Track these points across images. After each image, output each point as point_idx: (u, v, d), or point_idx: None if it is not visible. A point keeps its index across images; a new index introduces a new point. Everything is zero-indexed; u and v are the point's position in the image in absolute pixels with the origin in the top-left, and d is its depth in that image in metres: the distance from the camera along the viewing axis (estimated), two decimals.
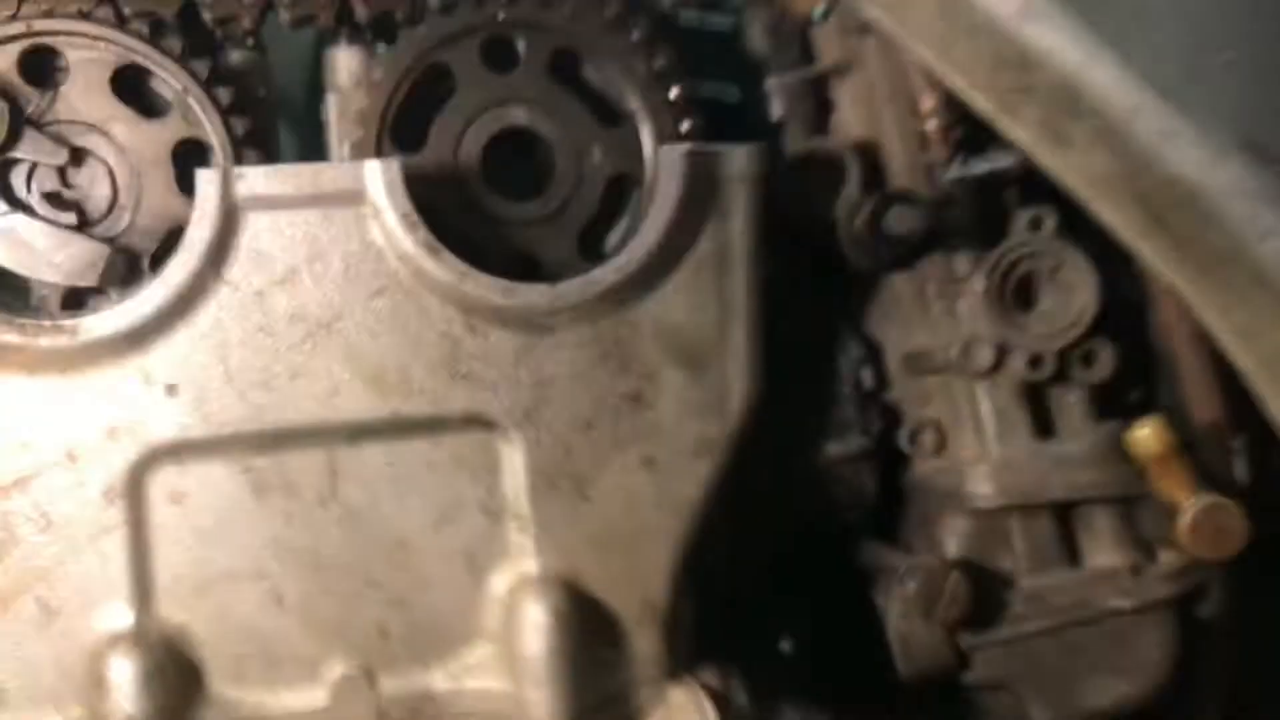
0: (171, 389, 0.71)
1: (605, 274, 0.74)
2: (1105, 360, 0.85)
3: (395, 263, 0.73)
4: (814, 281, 0.92)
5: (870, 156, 0.89)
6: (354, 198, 0.72)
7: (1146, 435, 0.79)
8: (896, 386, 0.91)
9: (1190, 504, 0.79)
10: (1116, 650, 0.85)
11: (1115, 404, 0.87)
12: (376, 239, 0.73)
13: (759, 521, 0.94)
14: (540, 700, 0.73)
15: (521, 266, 0.80)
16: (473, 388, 0.74)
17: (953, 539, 0.86)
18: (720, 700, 0.81)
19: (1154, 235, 0.73)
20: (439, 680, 0.76)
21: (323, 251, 0.72)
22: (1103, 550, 0.86)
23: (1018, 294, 0.85)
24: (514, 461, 0.76)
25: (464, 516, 0.76)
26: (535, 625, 0.74)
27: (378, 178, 0.72)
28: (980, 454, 0.86)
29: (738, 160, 0.79)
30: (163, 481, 0.72)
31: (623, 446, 0.77)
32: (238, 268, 0.71)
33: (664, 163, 0.76)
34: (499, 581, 0.76)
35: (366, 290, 0.73)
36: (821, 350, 0.90)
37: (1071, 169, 0.75)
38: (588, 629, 0.76)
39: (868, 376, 0.89)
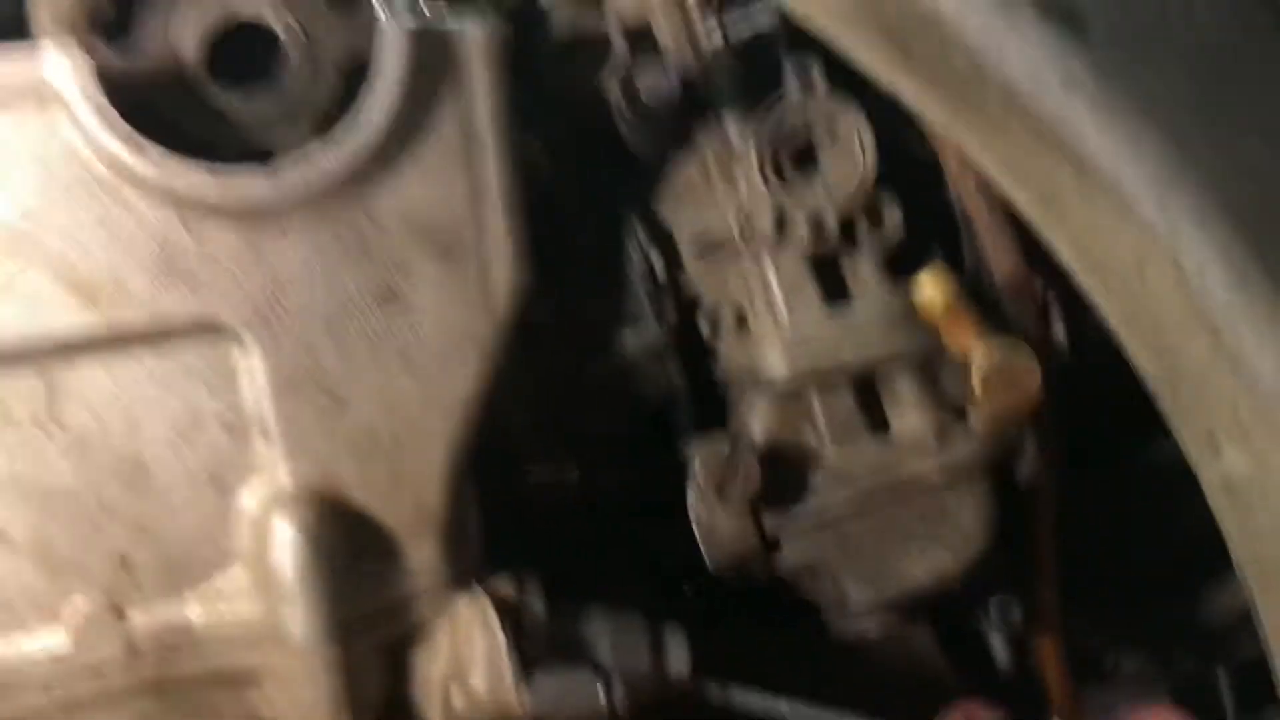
0: None
1: (328, 159, 0.69)
2: (893, 220, 0.81)
3: (96, 162, 0.66)
4: (603, 169, 0.88)
5: (640, 34, 0.85)
6: (39, 93, 0.66)
7: (925, 286, 0.75)
8: (692, 271, 0.86)
9: (978, 354, 0.75)
10: (929, 520, 0.81)
11: (913, 266, 0.83)
12: (72, 137, 0.66)
13: (560, 424, 0.90)
14: (295, 618, 0.68)
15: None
16: (197, 292, 0.69)
17: (756, 421, 0.82)
18: (511, 611, 0.77)
19: (905, 69, 0.69)
20: (194, 610, 0.71)
21: (13, 155, 0.66)
22: (908, 417, 0.82)
23: (795, 158, 0.81)
24: (252, 369, 0.70)
25: (203, 433, 0.71)
26: (285, 542, 0.69)
27: (65, 69, 0.67)
28: (774, 330, 0.82)
29: (472, 39, 0.73)
30: None
31: (376, 346, 0.72)
32: None
33: (385, 42, 0.71)
34: (249, 500, 0.71)
35: (67, 194, 0.67)
36: (610, 239, 0.86)
37: (817, 8, 0.70)
38: (350, 542, 0.71)
39: (658, 263, 0.85)
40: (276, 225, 0.69)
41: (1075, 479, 0.89)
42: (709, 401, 0.92)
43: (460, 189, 0.73)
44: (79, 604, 0.69)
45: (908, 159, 0.83)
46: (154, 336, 0.69)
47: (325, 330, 0.71)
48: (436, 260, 0.73)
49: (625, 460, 1.09)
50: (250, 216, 0.69)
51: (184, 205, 0.68)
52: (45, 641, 0.69)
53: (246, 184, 0.68)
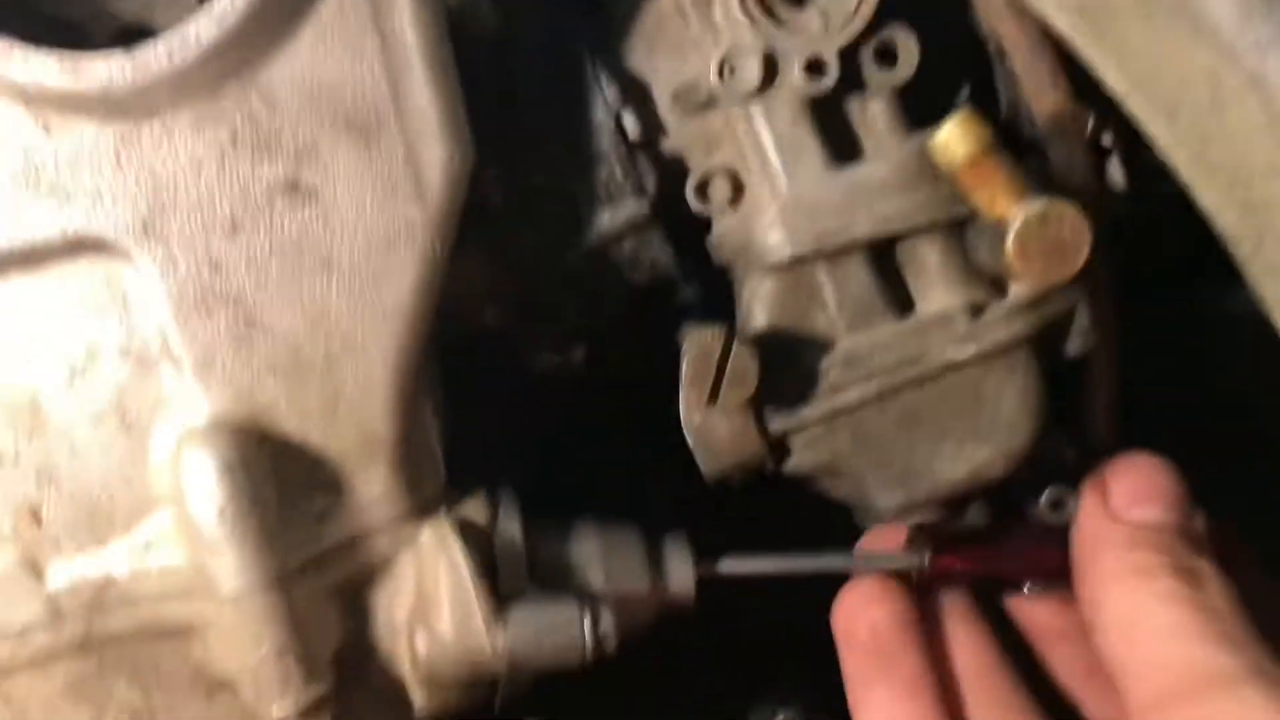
0: None
1: (199, 29, 0.57)
2: (907, 54, 0.67)
3: None
4: (561, 14, 0.75)
5: None
6: None
7: (950, 135, 0.62)
8: (675, 132, 0.73)
9: (1014, 216, 0.61)
10: (965, 410, 0.69)
11: (934, 112, 0.69)
12: None
13: (551, 323, 0.80)
14: (224, 566, 0.60)
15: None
16: (68, 205, 0.58)
17: (758, 306, 0.70)
18: (481, 538, 0.67)
19: None
20: (118, 560, 0.62)
21: None
22: (934, 292, 0.69)
23: None
24: (147, 290, 0.60)
25: (101, 366, 0.61)
26: (202, 481, 0.60)
27: None
28: (771, 197, 0.69)
29: None
30: None
31: (288, 250, 0.61)
32: None
33: None
34: (164, 435, 0.62)
35: None
36: (572, 98, 0.73)
37: None
38: (284, 478, 0.62)
39: (630, 122, 0.72)
40: (150, 117, 0.58)
41: (1135, 343, 0.76)
42: (711, 287, 0.81)
43: (369, 52, 0.60)
44: None
45: None
46: (26, 260, 0.59)
47: (226, 237, 0.60)
48: (349, 142, 0.61)
49: (637, 339, 0.99)
50: (117, 109, 0.58)
51: (38, 102, 0.57)
52: None
53: (105, 69, 0.56)
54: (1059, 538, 0.72)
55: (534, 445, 0.98)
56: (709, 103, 0.70)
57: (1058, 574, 0.71)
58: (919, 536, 0.72)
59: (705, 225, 0.75)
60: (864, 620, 0.69)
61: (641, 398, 0.97)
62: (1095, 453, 0.75)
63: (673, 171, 0.74)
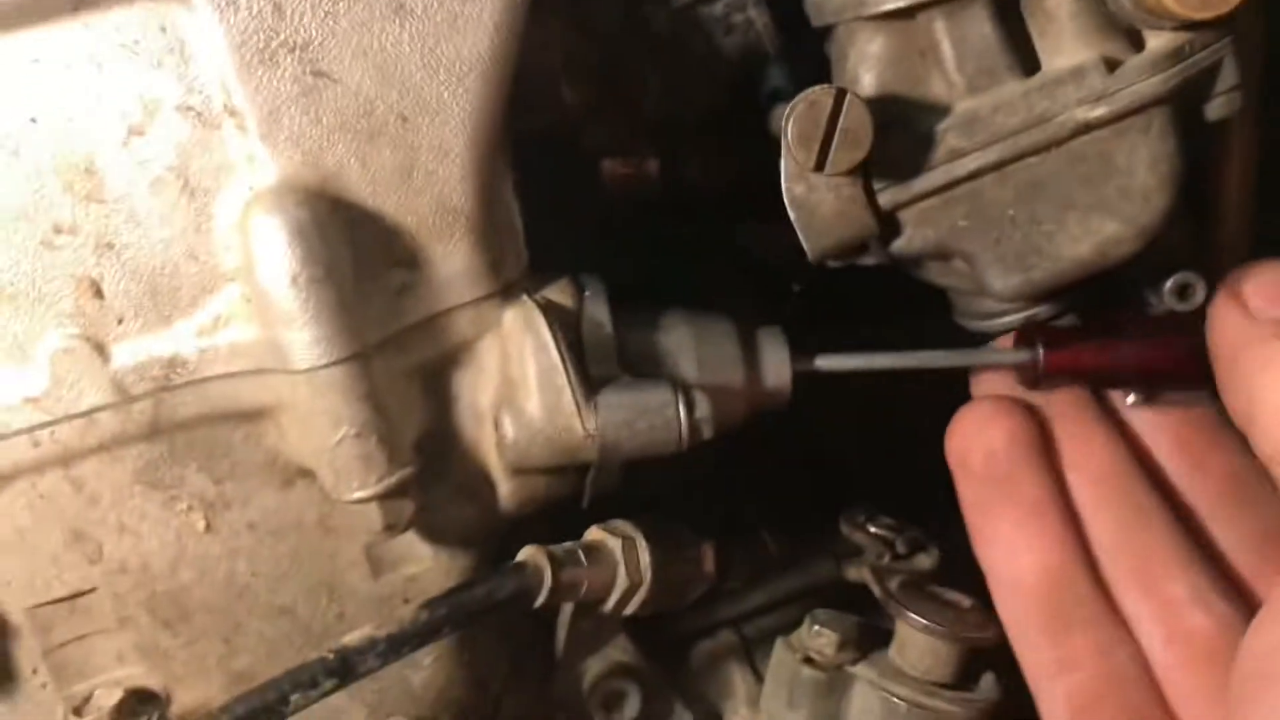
0: None
1: None
2: None
3: None
4: None
5: None
6: None
7: None
8: None
9: None
10: (1094, 179, 0.62)
11: None
12: None
13: (635, 103, 0.73)
14: (297, 342, 0.56)
15: None
16: None
17: (865, 69, 0.63)
18: (570, 321, 0.63)
19: None
20: (185, 339, 0.58)
21: None
22: (1064, 46, 0.61)
23: None
24: (207, 37, 0.54)
25: (159, 124, 0.56)
26: (273, 249, 0.55)
27: None
28: None
29: None
30: None
31: None
32: None
33: None
34: (230, 202, 0.57)
35: None
36: None
37: None
38: (360, 249, 0.57)
39: None
40: None
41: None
42: (813, 67, 0.74)
43: None
44: (50, 340, 0.58)
45: None
46: (75, 4, 0.54)
47: None
48: None
49: (713, 145, 0.93)
50: None
51: None
52: (22, 391, 0.58)
53: None
54: (1178, 330, 0.67)
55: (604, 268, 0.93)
56: None
57: (1180, 370, 0.67)
58: (1031, 332, 0.67)
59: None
60: (979, 444, 0.65)
61: (720, 223, 0.92)
62: (1224, 246, 0.69)
63: None
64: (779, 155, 0.68)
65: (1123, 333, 0.68)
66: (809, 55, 0.71)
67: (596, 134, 0.75)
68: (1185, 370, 0.67)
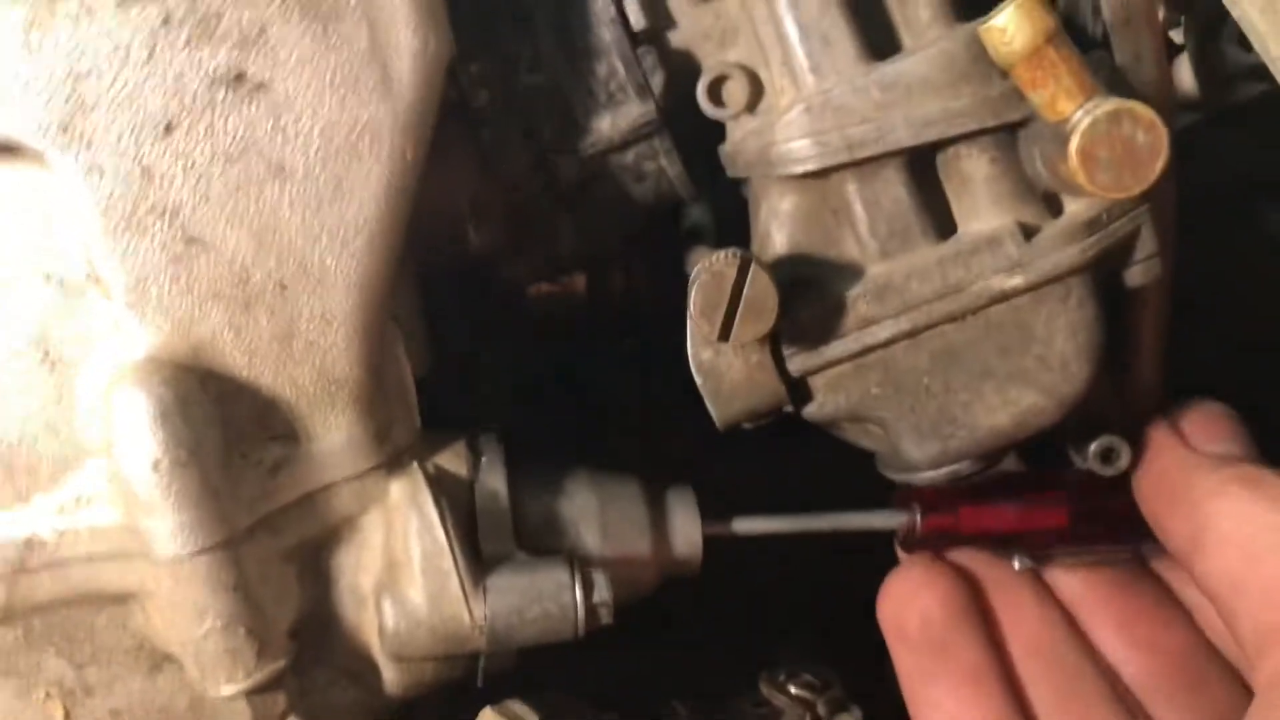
0: None
1: None
2: None
3: None
4: None
5: None
6: None
7: (1009, 21, 0.52)
8: (684, 23, 0.63)
9: (1080, 116, 0.53)
10: (1011, 348, 0.60)
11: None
12: None
13: (545, 244, 0.71)
14: (159, 530, 0.52)
15: None
16: None
17: (777, 226, 0.61)
18: (458, 490, 0.59)
19: None
20: (44, 519, 0.54)
21: None
22: (981, 210, 0.60)
23: None
24: (70, 201, 0.51)
25: (19, 293, 0.52)
26: (132, 428, 0.51)
27: None
28: (794, 97, 0.60)
29: None
30: None
31: (232, 155, 0.52)
32: None
33: None
34: (93, 375, 0.53)
35: None
36: None
37: None
38: (230, 423, 0.54)
39: (635, 12, 0.62)
40: None
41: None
42: (733, 202, 0.72)
43: None
44: None
45: None
46: None
47: (160, 138, 0.51)
48: (304, 25, 0.51)
49: (640, 266, 0.91)
50: None
51: None
52: None
53: None
54: (1063, 489, 0.67)
55: (524, 384, 0.90)
56: None
57: (1071, 531, 0.67)
58: (908, 495, 0.67)
59: (716, 134, 0.67)
60: (914, 609, 0.64)
61: (643, 333, 0.90)
62: (1140, 400, 0.67)
63: (681, 69, 0.64)
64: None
65: (1010, 493, 0.68)
66: (726, 189, 0.70)
67: (514, 268, 0.73)
68: (1078, 531, 0.67)
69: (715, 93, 0.63)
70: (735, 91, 0.63)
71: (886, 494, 0.69)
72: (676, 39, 0.64)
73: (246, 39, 0.51)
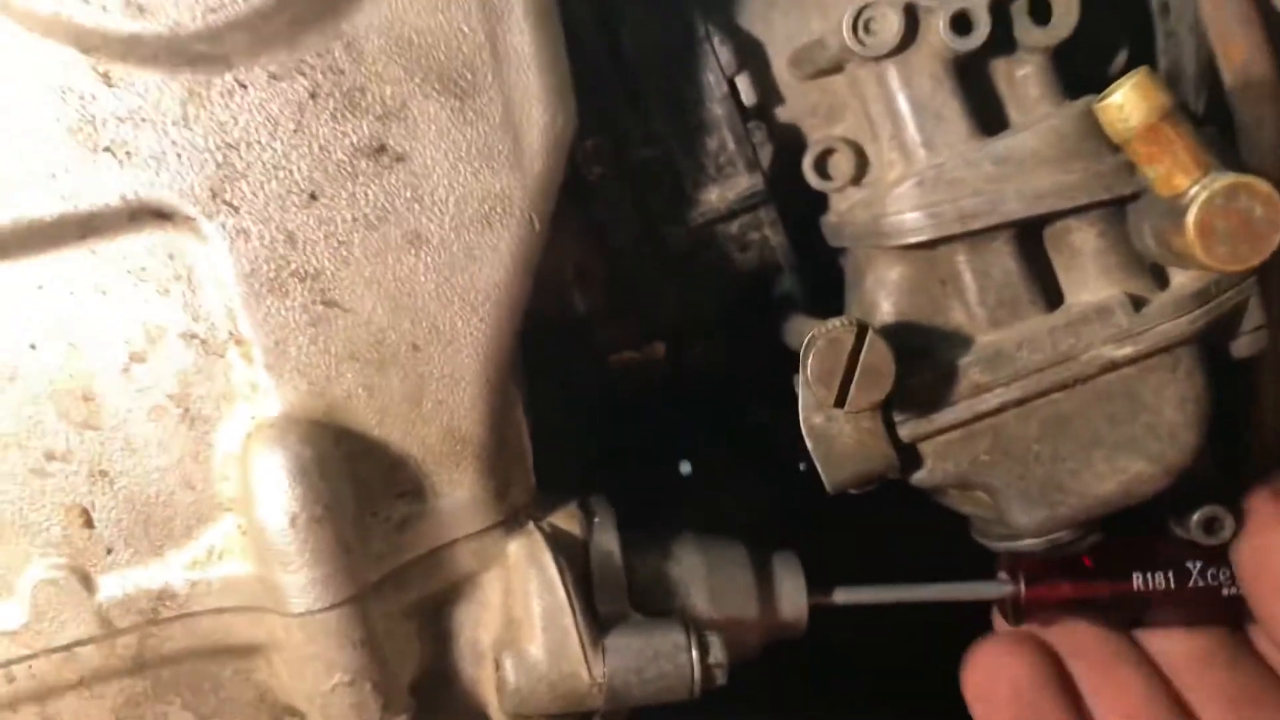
0: None
1: None
2: (1066, 7, 0.59)
3: None
4: None
5: None
6: None
7: (1125, 98, 0.54)
8: (792, 99, 0.66)
9: (1196, 191, 0.54)
10: (1119, 417, 0.60)
11: (1092, 76, 0.62)
12: None
13: (646, 312, 0.72)
14: (292, 585, 0.53)
15: None
16: (126, 165, 0.51)
17: (884, 295, 0.62)
18: (577, 553, 0.60)
19: None
20: (177, 570, 0.56)
21: None
22: (1088, 282, 0.61)
23: None
24: (215, 264, 0.53)
25: (162, 350, 0.54)
26: (269, 485, 0.53)
27: None
28: (905, 170, 0.61)
29: None
30: None
31: (372, 222, 0.54)
32: None
33: None
34: (230, 432, 0.55)
35: None
36: (679, 61, 0.65)
37: None
38: (362, 481, 0.55)
39: (746, 88, 0.64)
40: (222, 68, 0.51)
41: None
42: (821, 272, 0.73)
43: (468, 2, 0.53)
44: (34, 570, 0.55)
45: None
46: (83, 230, 0.52)
47: (304, 205, 0.53)
48: (442, 101, 0.54)
49: (720, 336, 0.92)
50: (189, 58, 0.51)
51: (97, 47, 0.50)
52: (1, 622, 0.55)
53: (176, 11, 0.49)
54: (1172, 562, 0.67)
55: (604, 449, 0.91)
56: (834, 65, 0.63)
57: (1170, 600, 0.67)
58: (1013, 565, 0.68)
59: (816, 205, 0.68)
60: (1004, 679, 0.64)
61: (724, 399, 0.91)
62: (1249, 470, 0.67)
63: (787, 143, 0.66)
64: (784, 351, 0.68)
65: (1111, 562, 0.68)
66: (820, 260, 0.71)
67: (610, 333, 0.74)
68: (1184, 602, 0.67)
69: (822, 166, 0.65)
70: (841, 164, 0.65)
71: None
72: (784, 114, 0.66)
73: (388, 112, 0.54)
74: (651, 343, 0.91)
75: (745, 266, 0.70)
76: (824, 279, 0.72)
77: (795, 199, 0.68)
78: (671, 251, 0.68)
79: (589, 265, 0.69)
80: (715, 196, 0.66)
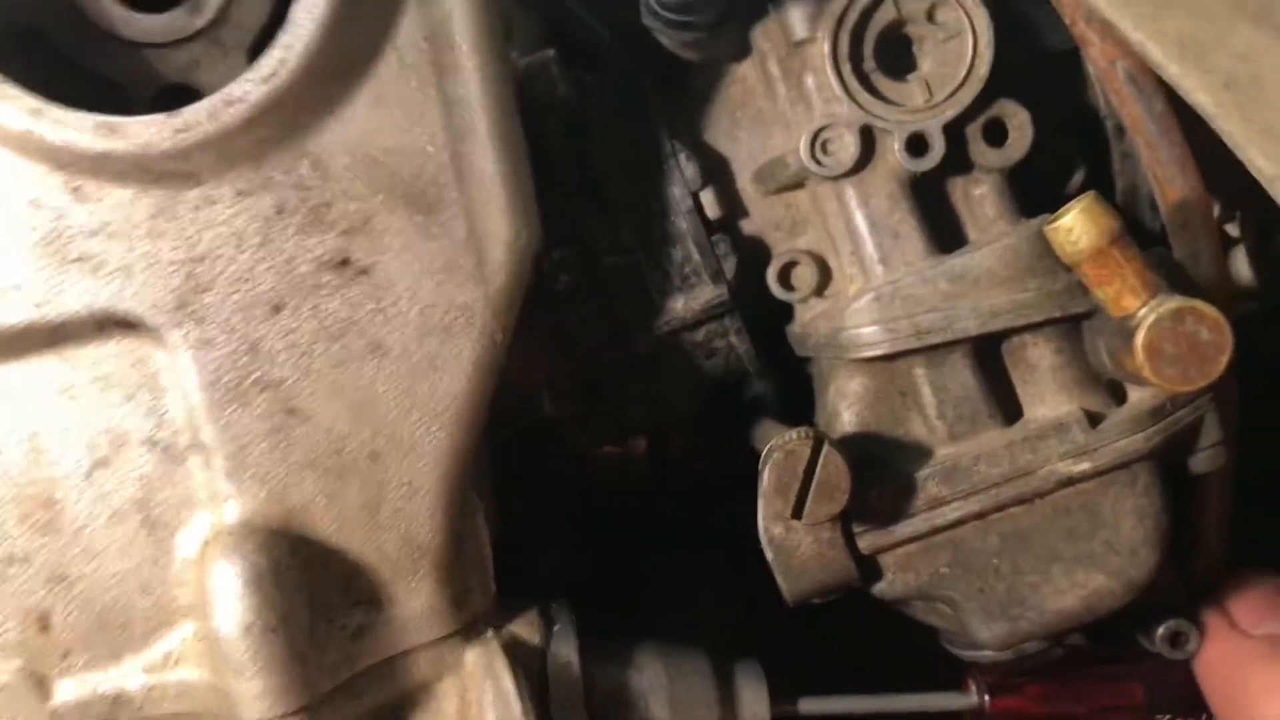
0: None
1: (245, 89, 0.52)
2: (1019, 130, 0.61)
3: None
4: (636, 85, 0.69)
5: None
6: None
7: (1074, 222, 0.55)
8: (756, 212, 0.67)
9: (1145, 313, 0.55)
10: (1079, 532, 0.61)
11: (1045, 195, 0.63)
12: None
13: (615, 415, 0.73)
14: (246, 693, 0.53)
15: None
16: (95, 276, 0.52)
17: (845, 406, 0.63)
18: (534, 662, 0.60)
19: None
20: (133, 675, 0.56)
21: None
22: (1046, 396, 0.62)
23: (882, 53, 0.61)
24: (179, 373, 0.54)
25: (125, 456, 0.55)
26: (225, 593, 0.53)
27: None
28: (864, 285, 0.62)
29: None
30: None
31: (335, 333, 0.55)
32: None
33: None
34: (189, 538, 0.55)
35: None
36: (646, 175, 0.67)
37: None
38: (316, 588, 0.56)
39: (710, 202, 0.66)
40: (191, 183, 0.53)
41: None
42: (787, 378, 0.74)
43: (433, 122, 0.55)
44: None
45: (1035, 48, 0.63)
46: (50, 339, 0.53)
47: (268, 317, 0.54)
48: (406, 216, 0.55)
49: (697, 432, 0.92)
50: (158, 175, 0.52)
51: (68, 165, 0.52)
52: None
53: (146, 132, 0.51)
54: (1131, 673, 0.67)
55: (584, 548, 0.92)
56: (796, 182, 0.65)
57: (1141, 710, 0.67)
58: (977, 677, 0.68)
59: (780, 315, 0.69)
60: None
61: (704, 497, 0.91)
62: (1202, 583, 0.68)
63: (751, 255, 0.68)
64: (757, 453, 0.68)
65: (1078, 673, 0.68)
66: (793, 363, 0.72)
67: (582, 434, 0.75)
68: (1153, 707, 0.67)
69: (785, 277, 0.67)
70: (805, 276, 0.66)
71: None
72: (748, 226, 0.68)
73: (353, 227, 0.55)
74: (632, 439, 0.93)
75: (712, 371, 0.71)
76: (794, 383, 0.73)
77: (763, 306, 0.69)
78: (639, 356, 0.69)
79: (557, 370, 0.70)
80: (681, 305, 0.67)
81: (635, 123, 0.67)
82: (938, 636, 0.69)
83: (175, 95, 0.58)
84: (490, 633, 0.60)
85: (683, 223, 0.66)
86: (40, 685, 0.56)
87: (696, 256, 0.66)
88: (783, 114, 0.64)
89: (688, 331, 0.68)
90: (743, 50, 0.65)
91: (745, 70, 0.66)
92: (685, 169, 0.65)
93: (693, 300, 0.67)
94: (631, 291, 0.67)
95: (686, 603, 0.93)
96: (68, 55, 0.56)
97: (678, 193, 0.66)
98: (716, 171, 0.66)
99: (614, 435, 0.78)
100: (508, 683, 0.57)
